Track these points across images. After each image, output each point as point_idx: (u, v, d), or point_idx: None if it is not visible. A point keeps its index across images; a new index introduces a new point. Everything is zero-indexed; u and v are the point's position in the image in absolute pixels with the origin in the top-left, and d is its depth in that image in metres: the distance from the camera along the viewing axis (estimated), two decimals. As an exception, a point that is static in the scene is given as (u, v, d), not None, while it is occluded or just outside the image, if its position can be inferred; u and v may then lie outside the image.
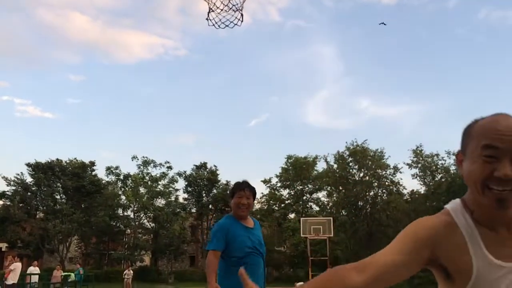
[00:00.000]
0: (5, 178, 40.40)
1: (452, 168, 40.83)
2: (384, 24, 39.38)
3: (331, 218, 33.79)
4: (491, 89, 63.22)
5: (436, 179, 39.84)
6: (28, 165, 41.39)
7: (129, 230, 43.16)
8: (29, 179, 41.40)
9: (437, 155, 40.26)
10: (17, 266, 13.81)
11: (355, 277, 1.07)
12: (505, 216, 1.11)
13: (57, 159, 42.71)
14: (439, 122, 66.71)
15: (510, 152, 1.05)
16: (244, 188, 3.61)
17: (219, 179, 46.01)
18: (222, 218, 3.67)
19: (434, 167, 40.25)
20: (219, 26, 5.43)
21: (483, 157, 1.06)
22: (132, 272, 24.19)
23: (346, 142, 41.55)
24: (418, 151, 40.32)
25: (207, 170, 46.16)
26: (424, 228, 1.14)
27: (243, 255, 3.40)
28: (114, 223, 41.62)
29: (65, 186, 41.60)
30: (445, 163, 40.59)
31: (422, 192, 40.99)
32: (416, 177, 40.64)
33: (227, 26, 5.44)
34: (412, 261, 1.11)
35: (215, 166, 46.35)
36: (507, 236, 1.13)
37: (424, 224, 1.15)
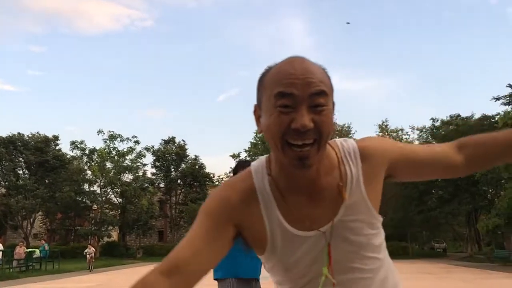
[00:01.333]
0: (-37, 153, 38.86)
1: (416, 142, 42.08)
2: (348, 23, 41.32)
3: (299, 192, 34.35)
4: (456, 65, 64.88)
5: (400, 153, 40.99)
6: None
7: (95, 206, 42.58)
8: (-11, 154, 39.99)
9: (402, 130, 41.41)
10: (-22, 243, 13.45)
11: (164, 286, 0.93)
12: (307, 177, 0.99)
13: (19, 133, 41.34)
14: (404, 97, 68.19)
15: (307, 98, 0.90)
16: (247, 167, 3.66)
17: (187, 153, 45.74)
18: None
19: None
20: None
21: (278, 108, 0.91)
22: (93, 249, 23.89)
23: (314, 117, 41.96)
24: (383, 126, 41.29)
25: (176, 144, 45.76)
26: (220, 204, 1.02)
27: None
28: (80, 199, 40.93)
29: (27, 161, 40.44)
30: (409, 138, 41.78)
31: (387, 166, 42.18)
32: (381, 152, 41.75)
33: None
34: (222, 244, 1.00)
35: (183, 140, 46.04)
36: (309, 200, 1.01)
37: (219, 199, 1.03)
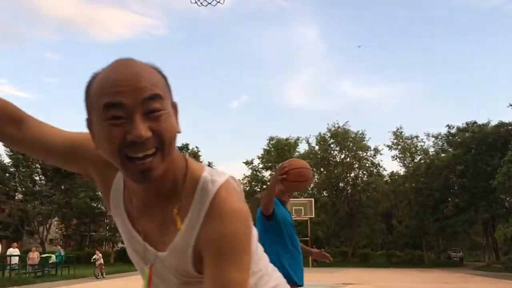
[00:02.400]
0: (-18, 159, 39.61)
1: (431, 150, 41.63)
2: (360, 47, 42.02)
3: (313, 199, 34.19)
4: (472, 71, 64.14)
5: (415, 160, 40.55)
6: (6, 146, 40.45)
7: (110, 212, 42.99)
8: (7, 160, 40.65)
9: (417, 137, 40.96)
10: (-4, 247, 13.66)
11: (10, 129, 0.99)
12: (145, 195, 0.92)
13: (36, 140, 41.93)
14: (419, 104, 67.58)
15: (140, 105, 0.80)
16: None
17: (201, 160, 45.91)
18: None
19: (413, 149, 40.91)
20: (201, 3, 5.34)
21: (108, 121, 0.81)
22: (101, 255, 23.78)
23: (328, 124, 41.94)
24: (398, 133, 40.87)
25: (189, 151, 46.00)
26: (82, 144, 1.02)
27: (290, 228, 3.66)
28: (95, 205, 41.30)
29: (44, 167, 40.97)
30: (424, 145, 41.36)
31: (402, 174, 41.72)
32: (396, 159, 41.33)
33: (210, 3, 5.35)
34: (67, 159, 1.04)
35: (197, 147, 46.27)
36: (145, 212, 0.94)
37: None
